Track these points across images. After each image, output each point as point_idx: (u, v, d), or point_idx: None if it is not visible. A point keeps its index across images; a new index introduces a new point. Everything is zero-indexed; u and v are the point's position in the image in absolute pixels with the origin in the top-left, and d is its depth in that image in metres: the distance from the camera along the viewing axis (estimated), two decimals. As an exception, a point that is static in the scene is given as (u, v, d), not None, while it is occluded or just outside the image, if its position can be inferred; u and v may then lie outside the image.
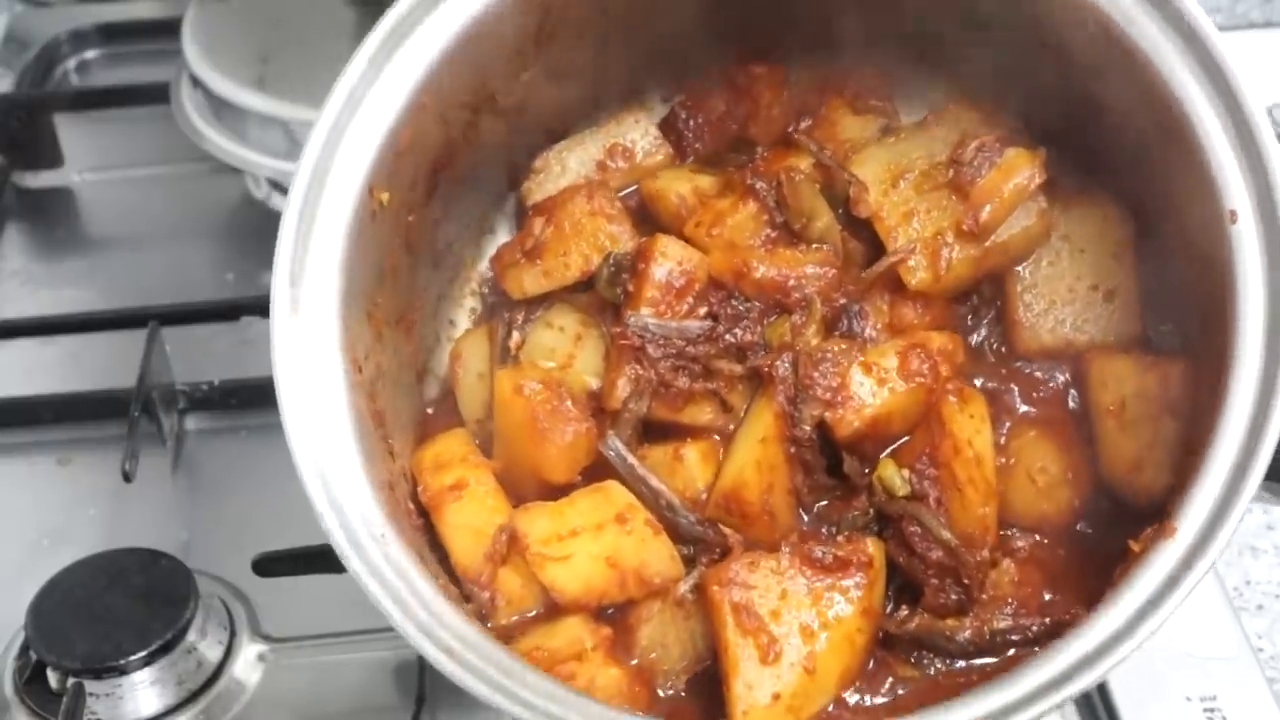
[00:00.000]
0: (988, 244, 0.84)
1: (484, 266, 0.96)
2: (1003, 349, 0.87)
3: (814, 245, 0.85)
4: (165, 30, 1.48)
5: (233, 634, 0.99)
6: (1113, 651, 0.71)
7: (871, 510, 0.83)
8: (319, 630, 1.01)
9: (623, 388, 0.84)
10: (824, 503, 0.84)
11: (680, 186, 0.90)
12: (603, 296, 0.87)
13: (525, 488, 0.85)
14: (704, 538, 0.82)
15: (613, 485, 0.83)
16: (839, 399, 0.81)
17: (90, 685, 0.93)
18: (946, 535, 0.80)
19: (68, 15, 1.64)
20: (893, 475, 0.81)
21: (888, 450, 0.83)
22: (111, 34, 1.61)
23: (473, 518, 0.83)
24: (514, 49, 0.88)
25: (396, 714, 0.95)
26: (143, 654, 0.93)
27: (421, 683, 0.95)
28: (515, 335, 0.90)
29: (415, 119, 0.84)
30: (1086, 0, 0.79)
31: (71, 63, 1.59)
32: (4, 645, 0.99)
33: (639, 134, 0.95)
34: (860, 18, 0.90)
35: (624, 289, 0.85)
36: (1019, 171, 0.83)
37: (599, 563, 0.80)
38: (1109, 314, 0.84)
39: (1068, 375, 0.86)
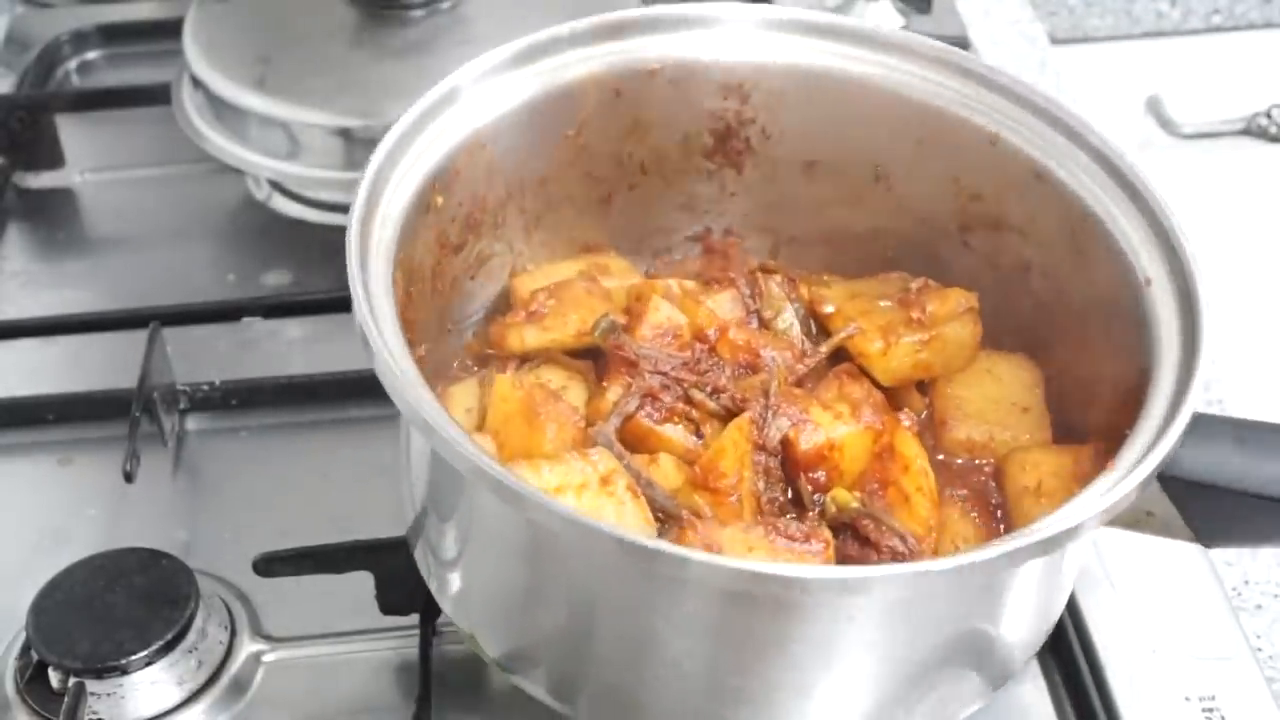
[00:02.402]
0: (930, 334, 0.95)
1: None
2: (931, 441, 0.96)
3: (780, 334, 0.98)
4: (166, 31, 1.48)
5: (233, 634, 1.00)
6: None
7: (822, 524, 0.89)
8: (319, 630, 1.01)
9: (615, 393, 0.91)
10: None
11: (668, 281, 1.01)
12: (589, 359, 0.96)
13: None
14: (675, 512, 0.86)
15: (602, 452, 0.86)
16: (802, 422, 0.89)
17: (91, 685, 0.93)
18: (899, 526, 0.86)
19: (68, 16, 1.64)
20: (846, 497, 0.88)
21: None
22: (112, 34, 1.61)
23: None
24: (553, 148, 1.01)
25: (397, 714, 0.96)
26: (144, 654, 0.94)
27: (423, 683, 0.95)
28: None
29: (470, 154, 0.94)
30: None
31: (72, 63, 1.59)
32: (5, 645, 0.99)
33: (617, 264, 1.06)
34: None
35: (618, 335, 0.94)
36: (957, 298, 0.97)
37: None
38: (1024, 421, 0.95)
39: (989, 467, 0.94)
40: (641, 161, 1.05)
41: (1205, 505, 0.83)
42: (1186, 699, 0.93)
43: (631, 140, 1.03)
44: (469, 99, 0.95)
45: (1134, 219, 0.90)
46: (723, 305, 0.99)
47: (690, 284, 1.01)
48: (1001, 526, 0.92)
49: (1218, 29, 1.96)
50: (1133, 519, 0.85)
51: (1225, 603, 0.99)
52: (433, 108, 0.93)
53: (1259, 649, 0.99)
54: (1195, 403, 0.79)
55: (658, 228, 1.08)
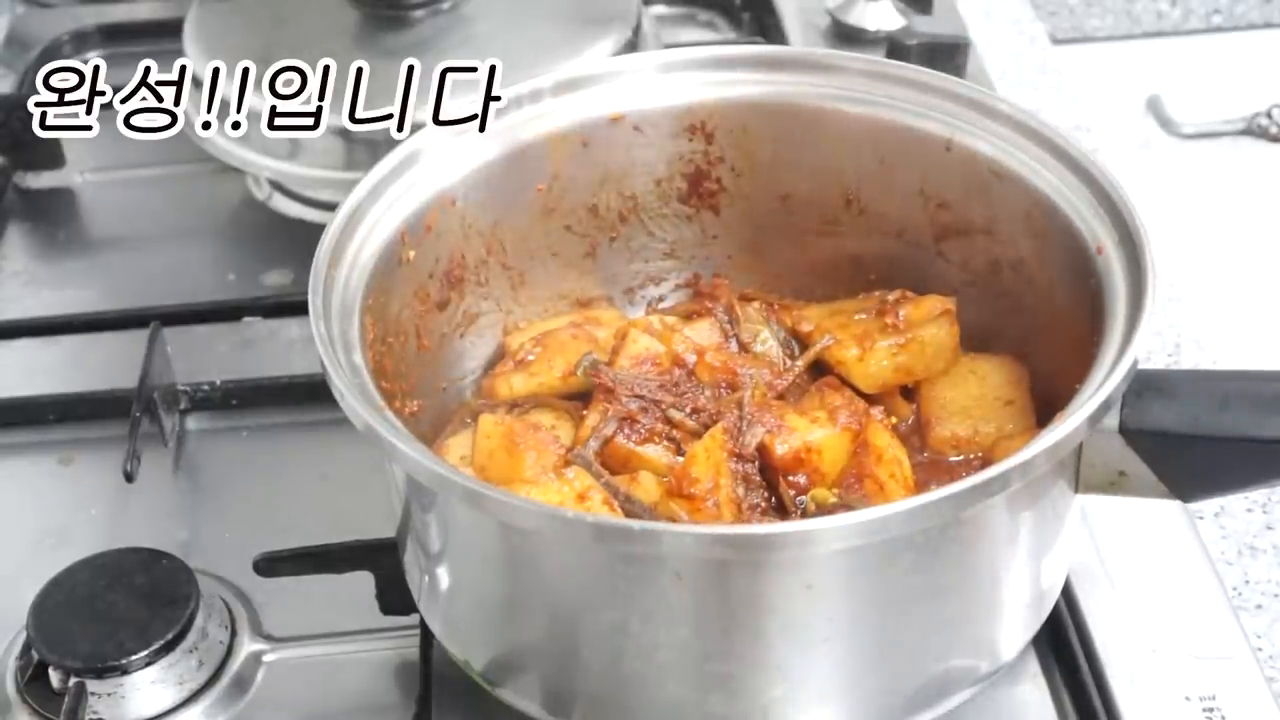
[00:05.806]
0: (906, 338, 0.97)
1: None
2: (919, 444, 0.97)
3: (759, 355, 1.00)
4: (166, 30, 1.48)
5: (234, 633, 1.00)
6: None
7: None
8: (320, 630, 1.01)
9: (594, 419, 0.93)
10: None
11: (649, 319, 1.04)
12: (578, 400, 0.98)
13: None
14: (653, 520, 0.87)
15: (577, 470, 0.88)
16: (777, 428, 0.91)
17: (92, 685, 0.93)
18: None
19: (69, 15, 1.64)
20: (824, 494, 0.89)
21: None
22: (112, 34, 1.61)
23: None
24: (527, 204, 1.03)
25: (397, 714, 0.96)
26: (145, 653, 0.94)
27: (423, 683, 0.95)
28: None
29: (440, 212, 0.96)
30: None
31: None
32: (5, 645, 0.99)
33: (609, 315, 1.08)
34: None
35: (597, 368, 0.96)
36: (931, 302, 0.99)
37: None
38: (1008, 413, 0.96)
39: (979, 462, 0.96)
40: (619, 211, 1.07)
41: (1176, 457, 0.84)
42: (1186, 698, 0.93)
43: (605, 190, 1.05)
44: (431, 160, 0.97)
45: (1082, 195, 0.91)
46: (700, 333, 1.01)
47: (671, 319, 1.03)
48: None
49: (1218, 29, 1.96)
50: (1106, 481, 0.85)
51: (1225, 602, 0.99)
52: (399, 166, 0.95)
53: (1259, 649, 0.99)
54: (1140, 347, 0.80)
55: (647, 277, 1.10)
